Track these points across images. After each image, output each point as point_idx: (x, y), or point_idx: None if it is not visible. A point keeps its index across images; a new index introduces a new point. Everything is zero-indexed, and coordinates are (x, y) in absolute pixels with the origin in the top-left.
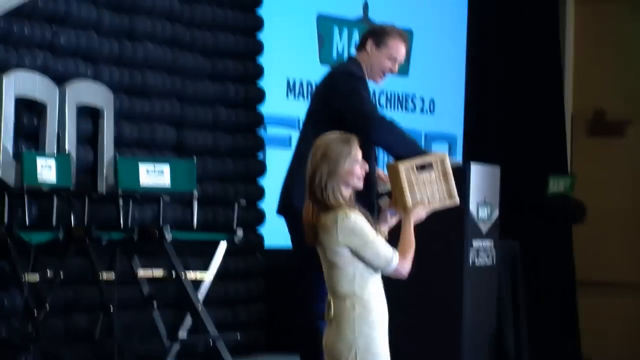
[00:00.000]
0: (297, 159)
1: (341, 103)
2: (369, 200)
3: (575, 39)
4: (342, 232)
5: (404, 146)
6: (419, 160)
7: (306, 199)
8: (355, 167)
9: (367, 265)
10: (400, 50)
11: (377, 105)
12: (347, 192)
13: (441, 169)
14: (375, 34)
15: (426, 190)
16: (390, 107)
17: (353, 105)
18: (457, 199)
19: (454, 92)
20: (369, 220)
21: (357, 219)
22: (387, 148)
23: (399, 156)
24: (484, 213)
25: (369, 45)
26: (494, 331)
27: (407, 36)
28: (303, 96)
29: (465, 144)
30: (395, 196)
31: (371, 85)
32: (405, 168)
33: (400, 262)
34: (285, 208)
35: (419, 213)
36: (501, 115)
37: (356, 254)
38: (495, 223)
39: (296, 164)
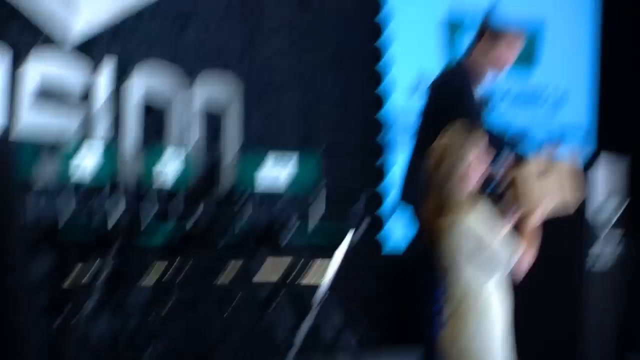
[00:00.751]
0: (413, 158)
1: (438, 115)
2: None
3: None
4: (458, 235)
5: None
6: (544, 164)
7: (425, 199)
8: (474, 166)
9: (483, 267)
10: (515, 45)
11: (484, 110)
12: (467, 192)
13: (565, 174)
14: (491, 28)
15: (549, 194)
16: (520, 101)
17: (453, 107)
18: (578, 204)
19: (585, 82)
20: (489, 219)
21: (473, 222)
22: None
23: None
24: (611, 204)
25: (483, 42)
26: (617, 338)
27: (521, 32)
28: None
29: (596, 135)
30: (518, 197)
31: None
32: (529, 170)
33: (518, 263)
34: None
35: (540, 216)
36: (635, 106)
37: (472, 257)
38: (623, 218)
39: (413, 164)
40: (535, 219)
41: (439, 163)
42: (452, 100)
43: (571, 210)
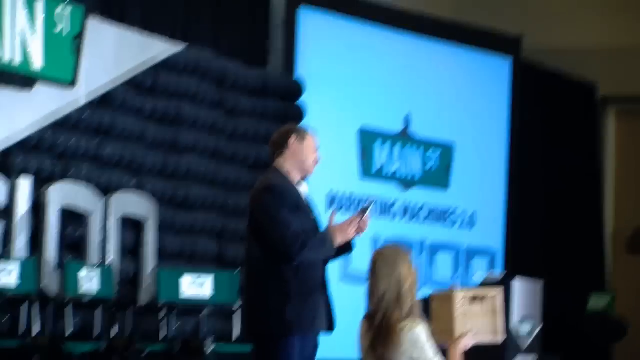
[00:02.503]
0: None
1: (260, 223)
2: None
3: (615, 157)
4: (408, 344)
5: (326, 252)
6: (473, 292)
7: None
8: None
9: None
10: (315, 146)
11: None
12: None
13: (492, 304)
14: (293, 132)
15: (475, 322)
16: (431, 221)
17: (268, 229)
18: (502, 336)
19: (494, 206)
20: (428, 335)
21: (421, 332)
22: (313, 262)
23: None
24: (526, 327)
25: (293, 143)
26: None
27: (314, 133)
28: (345, 209)
29: (506, 258)
30: (444, 323)
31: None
32: (460, 298)
33: None
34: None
35: (466, 343)
36: (542, 231)
37: None
38: (538, 338)
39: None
40: (463, 346)
41: (392, 273)
42: (265, 208)
43: (502, 338)
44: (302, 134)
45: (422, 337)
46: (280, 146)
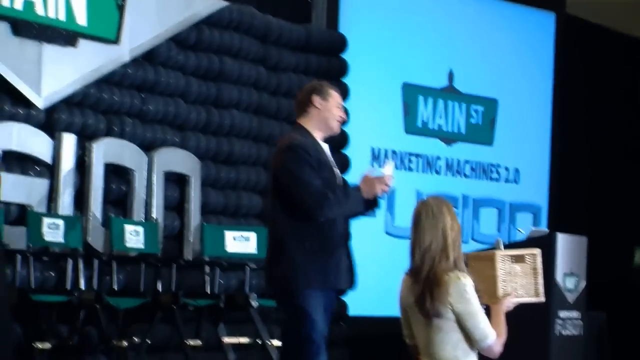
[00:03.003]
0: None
1: (282, 182)
2: None
3: None
4: (454, 295)
5: (352, 207)
6: (514, 252)
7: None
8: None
9: (466, 335)
10: (340, 101)
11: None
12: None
13: (532, 264)
14: (316, 90)
15: (516, 282)
16: (475, 176)
17: (290, 188)
18: (543, 297)
19: (539, 162)
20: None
21: (469, 285)
22: (339, 218)
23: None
24: (570, 283)
25: (316, 101)
26: None
27: (337, 89)
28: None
29: (550, 214)
30: (483, 284)
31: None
32: (501, 257)
33: (495, 341)
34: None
35: (509, 304)
36: (586, 186)
37: (459, 321)
38: (582, 293)
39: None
40: (506, 307)
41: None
42: (289, 166)
43: (542, 298)
44: (325, 93)
45: (469, 290)
46: (304, 105)
